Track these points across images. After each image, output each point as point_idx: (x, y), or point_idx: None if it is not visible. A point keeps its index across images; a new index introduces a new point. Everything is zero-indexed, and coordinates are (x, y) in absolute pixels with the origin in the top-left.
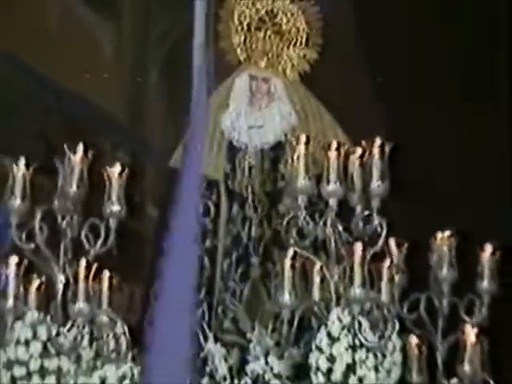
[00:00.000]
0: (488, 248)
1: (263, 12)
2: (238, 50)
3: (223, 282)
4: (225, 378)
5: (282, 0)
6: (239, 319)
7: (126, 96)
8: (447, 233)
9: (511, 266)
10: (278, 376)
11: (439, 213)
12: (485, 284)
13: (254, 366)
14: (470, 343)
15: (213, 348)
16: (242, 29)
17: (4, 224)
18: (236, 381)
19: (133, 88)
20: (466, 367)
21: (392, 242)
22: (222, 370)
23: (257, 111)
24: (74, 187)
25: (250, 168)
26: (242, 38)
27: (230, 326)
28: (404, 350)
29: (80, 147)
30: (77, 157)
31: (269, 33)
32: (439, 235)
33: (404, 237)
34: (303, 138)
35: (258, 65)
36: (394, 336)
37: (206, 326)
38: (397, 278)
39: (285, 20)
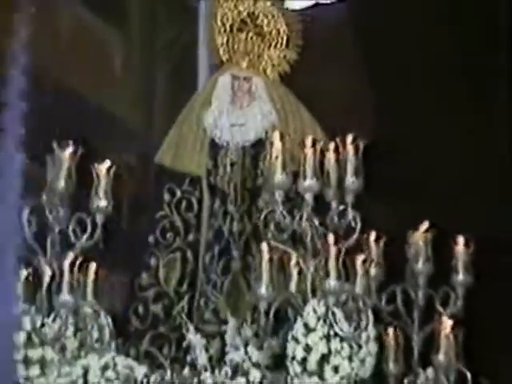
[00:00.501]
0: (461, 240)
1: (245, 14)
2: (221, 51)
3: (205, 275)
4: (205, 368)
5: (264, 2)
6: (220, 310)
7: (133, 100)
8: (423, 227)
9: (485, 258)
10: (256, 365)
11: (415, 208)
12: (459, 277)
13: (234, 356)
14: (445, 334)
15: (193, 338)
16: (225, 30)
17: None
18: (216, 370)
19: (140, 93)
20: (441, 357)
21: (371, 236)
22: (203, 359)
23: (238, 109)
24: (62, 183)
25: (232, 165)
26: (225, 39)
27: (212, 317)
28: (379, 340)
29: (70, 145)
30: (65, 154)
31: (250, 34)
32: (416, 229)
33: (382, 231)
34: (280, 135)
35: (239, 65)
36: (370, 327)
37: (186, 318)
38: (373, 271)
39: (266, 22)
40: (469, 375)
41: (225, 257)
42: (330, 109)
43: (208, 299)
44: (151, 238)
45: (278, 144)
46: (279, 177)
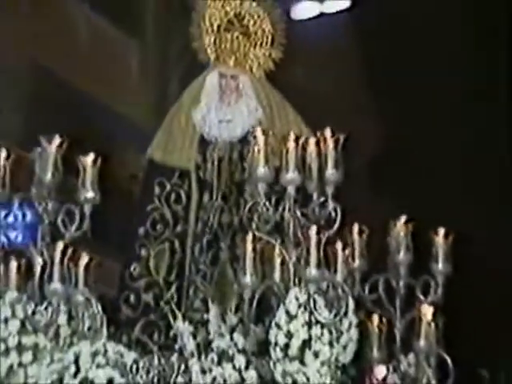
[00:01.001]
0: (441, 232)
1: (232, 14)
2: (209, 50)
3: (194, 265)
4: (192, 354)
5: (249, 3)
6: (208, 299)
7: (148, 105)
8: (403, 219)
9: (464, 249)
10: (242, 351)
11: (396, 200)
12: (439, 266)
13: (220, 343)
14: (426, 321)
15: (181, 326)
16: (213, 30)
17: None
18: (203, 356)
19: (155, 97)
20: (422, 343)
21: (355, 228)
22: (190, 346)
23: (226, 106)
24: (49, 175)
25: (220, 159)
26: (212, 39)
27: (200, 305)
28: (360, 326)
29: (56, 138)
30: (52, 147)
31: (237, 34)
32: (396, 221)
33: (365, 223)
34: (263, 131)
35: (227, 63)
36: (350, 314)
37: (175, 306)
38: (357, 261)
39: (252, 22)
40: (449, 360)
41: (213, 248)
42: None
43: (197, 288)
44: (142, 230)
45: (260, 139)
46: (261, 170)
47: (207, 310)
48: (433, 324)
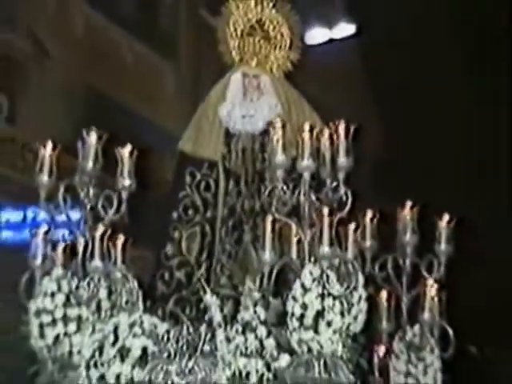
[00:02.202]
0: (445, 217)
1: (253, 21)
2: (233, 53)
3: (221, 246)
4: (219, 325)
5: (269, 10)
6: (233, 276)
7: (182, 117)
8: (409, 204)
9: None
10: (263, 323)
11: (404, 187)
12: (442, 247)
13: (244, 315)
14: (430, 296)
15: (210, 300)
16: (236, 35)
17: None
18: (228, 327)
19: (188, 111)
20: (426, 315)
21: (368, 213)
22: (217, 318)
23: (249, 103)
24: (90, 164)
25: (243, 150)
26: (237, 43)
27: (226, 281)
28: (370, 300)
29: (94, 132)
30: (92, 139)
31: (258, 38)
32: (404, 207)
33: (376, 207)
34: (281, 123)
35: (249, 64)
36: (360, 288)
37: (205, 282)
38: (368, 242)
39: (271, 27)
40: (450, 331)
41: (238, 230)
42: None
43: (223, 267)
44: (175, 215)
45: (279, 130)
46: (280, 157)
47: (233, 286)
48: (436, 299)
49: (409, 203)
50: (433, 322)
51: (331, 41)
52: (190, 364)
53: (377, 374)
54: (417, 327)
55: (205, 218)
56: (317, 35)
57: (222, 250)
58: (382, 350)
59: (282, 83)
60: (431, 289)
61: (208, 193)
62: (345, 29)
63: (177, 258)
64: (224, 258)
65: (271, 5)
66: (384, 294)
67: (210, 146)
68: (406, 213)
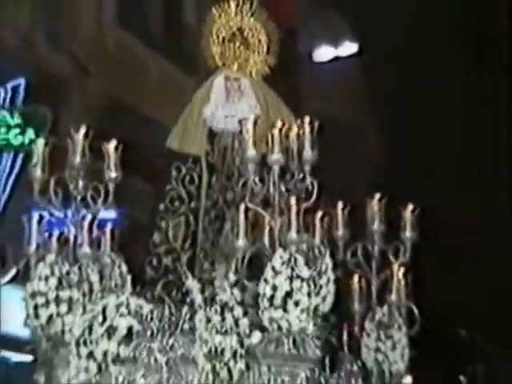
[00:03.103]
0: (409, 207)
1: (234, 28)
2: (216, 58)
3: (204, 234)
4: (200, 306)
5: (248, 19)
6: (215, 262)
7: None
8: (377, 196)
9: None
10: (239, 303)
11: (372, 180)
12: (407, 234)
13: (222, 297)
14: (397, 279)
15: (191, 284)
16: (219, 42)
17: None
18: (208, 308)
19: None
20: (394, 297)
21: (339, 204)
22: (198, 300)
23: (231, 104)
24: (78, 159)
25: (225, 147)
26: (219, 49)
27: (208, 267)
28: (341, 283)
29: (82, 128)
30: (79, 135)
31: (238, 44)
32: (372, 198)
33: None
34: (253, 121)
35: (231, 68)
36: (329, 271)
37: (189, 268)
38: (340, 231)
39: (250, 34)
40: (416, 310)
41: (219, 219)
42: None
43: (206, 253)
44: (162, 206)
45: (250, 127)
46: (250, 152)
47: (213, 271)
48: (403, 281)
49: (377, 195)
50: (400, 302)
51: (336, 58)
52: (171, 341)
53: (346, 350)
54: (385, 308)
55: (189, 209)
56: (323, 53)
57: (204, 238)
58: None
59: (260, 85)
60: (398, 272)
61: (192, 186)
62: (348, 47)
63: (164, 246)
64: (207, 246)
65: (250, 14)
66: (356, 278)
67: (195, 143)
68: (375, 204)
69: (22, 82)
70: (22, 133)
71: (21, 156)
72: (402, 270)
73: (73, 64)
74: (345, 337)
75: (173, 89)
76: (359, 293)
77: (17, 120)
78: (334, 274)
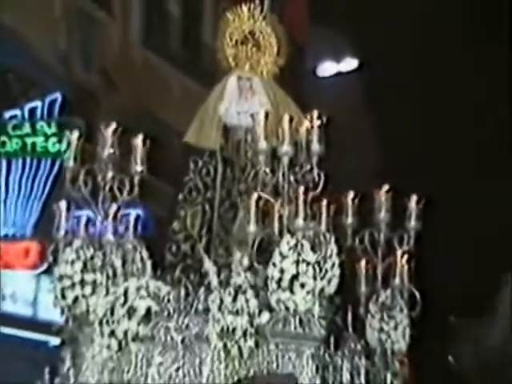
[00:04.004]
0: (413, 198)
1: (246, 32)
2: (230, 59)
3: (220, 222)
4: (216, 288)
5: (260, 23)
6: (230, 247)
7: None
8: (385, 188)
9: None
10: (252, 286)
11: (379, 171)
12: (411, 223)
13: (236, 280)
14: (401, 265)
15: (208, 266)
16: (232, 44)
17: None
18: (222, 290)
19: None
20: (397, 281)
21: (349, 195)
22: (215, 282)
23: (243, 101)
24: (106, 152)
25: (238, 141)
26: (232, 51)
27: (223, 252)
28: (348, 268)
29: (112, 124)
30: (108, 131)
31: (250, 46)
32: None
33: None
34: (265, 115)
35: (243, 69)
36: (334, 256)
37: (204, 253)
38: (349, 220)
39: (261, 37)
40: (417, 294)
41: (233, 209)
42: None
43: (221, 239)
44: (180, 196)
45: (261, 121)
46: (261, 144)
47: (228, 256)
48: (406, 267)
49: (385, 187)
50: (402, 286)
51: (338, 74)
52: (186, 321)
53: (350, 330)
54: (389, 291)
55: (205, 199)
56: (327, 68)
57: (219, 226)
58: None
59: (270, 84)
60: (401, 259)
61: (208, 177)
62: (349, 63)
63: (182, 233)
64: (222, 233)
65: (261, 18)
66: (362, 263)
67: (211, 138)
68: (382, 194)
69: (58, 96)
70: (59, 141)
71: (57, 162)
72: (406, 256)
73: (102, 80)
74: (349, 317)
75: (192, 100)
76: (365, 277)
77: (54, 130)
78: (339, 258)
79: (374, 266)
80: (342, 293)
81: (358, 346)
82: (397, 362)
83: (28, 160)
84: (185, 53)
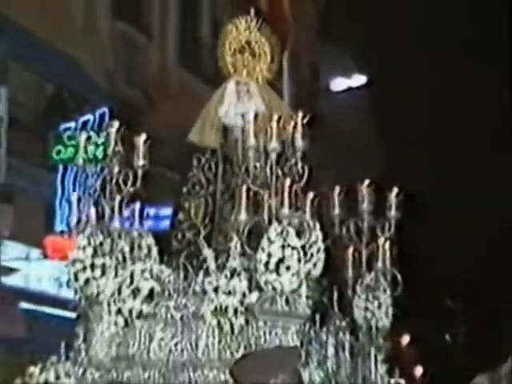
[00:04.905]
0: (394, 191)
1: (243, 42)
2: (229, 66)
3: (220, 213)
4: (214, 272)
5: (255, 33)
6: (228, 235)
7: None
8: (367, 181)
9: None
10: (246, 269)
11: (361, 166)
12: (392, 213)
13: (232, 263)
14: (383, 250)
15: (207, 253)
16: (231, 53)
17: None
18: (219, 273)
19: None
20: (380, 264)
21: (336, 189)
22: (212, 266)
23: (241, 104)
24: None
25: (236, 140)
26: (231, 59)
27: (223, 239)
28: (328, 251)
29: (115, 123)
30: (113, 130)
31: (247, 55)
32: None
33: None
34: (254, 116)
35: (241, 75)
36: (319, 242)
37: (204, 241)
38: (337, 210)
39: (257, 46)
40: (399, 275)
41: (232, 200)
42: None
43: (221, 228)
44: (185, 189)
45: (251, 120)
46: (251, 141)
47: (226, 242)
48: (388, 252)
49: (366, 181)
50: (385, 269)
51: (349, 89)
52: (184, 301)
53: (336, 309)
54: (373, 274)
55: (207, 192)
56: (339, 83)
57: (220, 216)
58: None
59: (265, 88)
60: (384, 245)
61: (210, 173)
62: (359, 79)
63: (186, 223)
64: (222, 222)
65: (256, 29)
66: (350, 250)
67: (212, 138)
68: (365, 187)
69: (106, 110)
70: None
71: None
72: (388, 242)
73: (143, 96)
74: (335, 298)
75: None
76: (352, 262)
77: (102, 139)
78: (324, 244)
79: (359, 252)
80: (329, 275)
81: (343, 323)
82: (382, 338)
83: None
84: (215, 72)
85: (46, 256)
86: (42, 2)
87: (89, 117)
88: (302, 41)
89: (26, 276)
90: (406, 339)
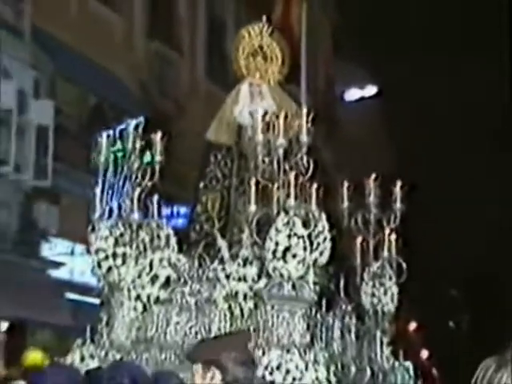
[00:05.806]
0: (398, 184)
1: (256, 46)
2: (243, 69)
3: (235, 206)
4: (227, 260)
5: (267, 38)
6: (242, 226)
7: None
8: (373, 176)
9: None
10: (257, 258)
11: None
12: (397, 205)
13: (244, 252)
14: (389, 239)
15: (221, 243)
16: (244, 56)
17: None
18: (232, 261)
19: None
20: (385, 253)
21: (345, 184)
22: (226, 255)
23: (254, 104)
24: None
25: (249, 138)
26: (244, 62)
27: (237, 231)
28: (334, 240)
29: (133, 121)
30: (130, 128)
31: (259, 58)
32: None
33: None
34: (262, 115)
35: (254, 77)
36: (326, 231)
37: (219, 232)
38: (346, 204)
39: (269, 50)
40: (404, 264)
41: (246, 194)
42: None
43: (235, 220)
44: (202, 184)
45: (259, 118)
46: (259, 137)
47: (240, 233)
48: (393, 242)
49: (373, 175)
50: (391, 258)
51: (362, 98)
52: (198, 287)
53: (342, 294)
54: (379, 262)
55: (223, 187)
56: (353, 94)
57: (235, 209)
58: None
59: (276, 90)
60: (390, 235)
61: (226, 168)
62: (370, 89)
63: (204, 215)
64: (236, 214)
65: (268, 34)
66: (358, 240)
67: (227, 135)
68: (371, 182)
69: (141, 119)
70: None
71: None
72: (393, 233)
73: (174, 106)
74: (342, 284)
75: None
76: (360, 251)
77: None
78: (330, 234)
79: (367, 242)
80: (336, 263)
81: (349, 308)
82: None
83: (119, 169)
84: (237, 82)
85: (88, 251)
86: (86, 24)
87: (126, 125)
88: (318, 54)
89: (71, 269)
90: (412, 325)
